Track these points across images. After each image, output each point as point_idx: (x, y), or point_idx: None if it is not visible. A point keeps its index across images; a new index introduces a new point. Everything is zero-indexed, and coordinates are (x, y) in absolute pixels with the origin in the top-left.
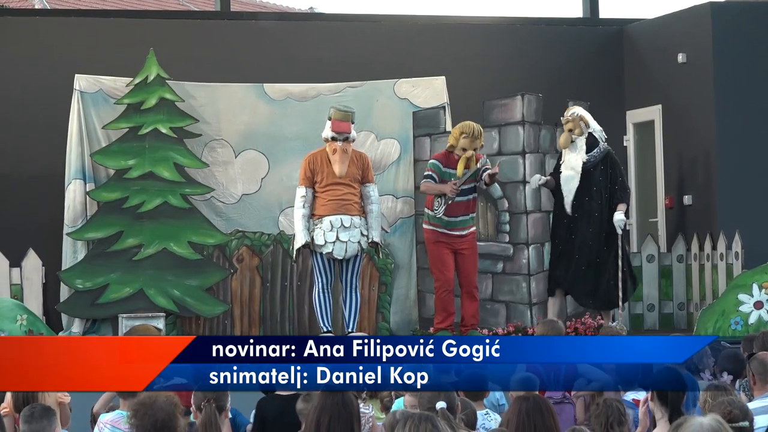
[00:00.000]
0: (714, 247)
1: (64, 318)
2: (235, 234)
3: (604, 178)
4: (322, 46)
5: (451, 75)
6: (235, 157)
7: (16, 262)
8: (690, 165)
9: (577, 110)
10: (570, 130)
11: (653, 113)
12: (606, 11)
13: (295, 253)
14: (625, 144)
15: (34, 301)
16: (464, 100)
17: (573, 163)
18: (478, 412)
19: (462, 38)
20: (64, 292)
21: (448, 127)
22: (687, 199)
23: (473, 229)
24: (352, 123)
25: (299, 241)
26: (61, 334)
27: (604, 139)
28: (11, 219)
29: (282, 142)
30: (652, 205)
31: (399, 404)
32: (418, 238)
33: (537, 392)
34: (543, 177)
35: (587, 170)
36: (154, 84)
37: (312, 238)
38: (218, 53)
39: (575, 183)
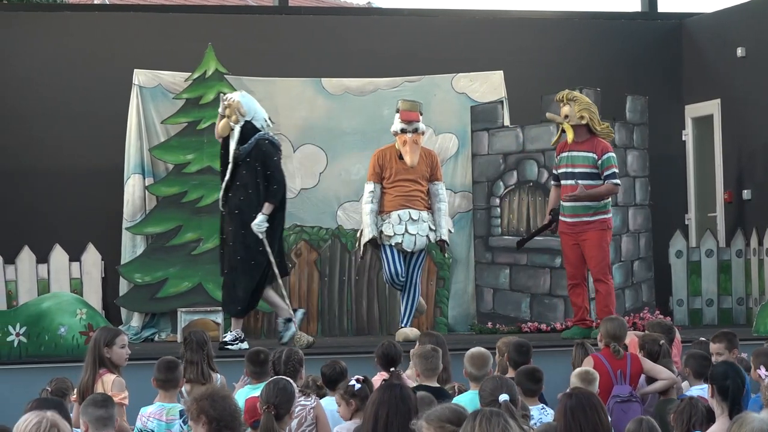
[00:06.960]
0: None
1: (123, 312)
2: (293, 228)
3: (249, 173)
4: (380, 40)
5: (509, 69)
6: (294, 151)
7: (75, 256)
8: (749, 159)
9: (236, 96)
10: (228, 116)
11: (712, 107)
12: (664, 5)
13: (362, 248)
14: (684, 138)
15: (94, 296)
16: (522, 94)
17: (232, 153)
18: (533, 407)
19: (520, 32)
20: (123, 287)
21: (506, 122)
22: (746, 194)
23: (596, 217)
24: (420, 114)
25: (366, 235)
26: (120, 327)
27: (266, 128)
28: (71, 214)
29: (340, 137)
30: (711, 200)
31: (459, 399)
32: (476, 233)
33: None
34: None
35: (236, 163)
36: (212, 79)
37: (380, 232)
38: (276, 48)
39: (227, 177)
